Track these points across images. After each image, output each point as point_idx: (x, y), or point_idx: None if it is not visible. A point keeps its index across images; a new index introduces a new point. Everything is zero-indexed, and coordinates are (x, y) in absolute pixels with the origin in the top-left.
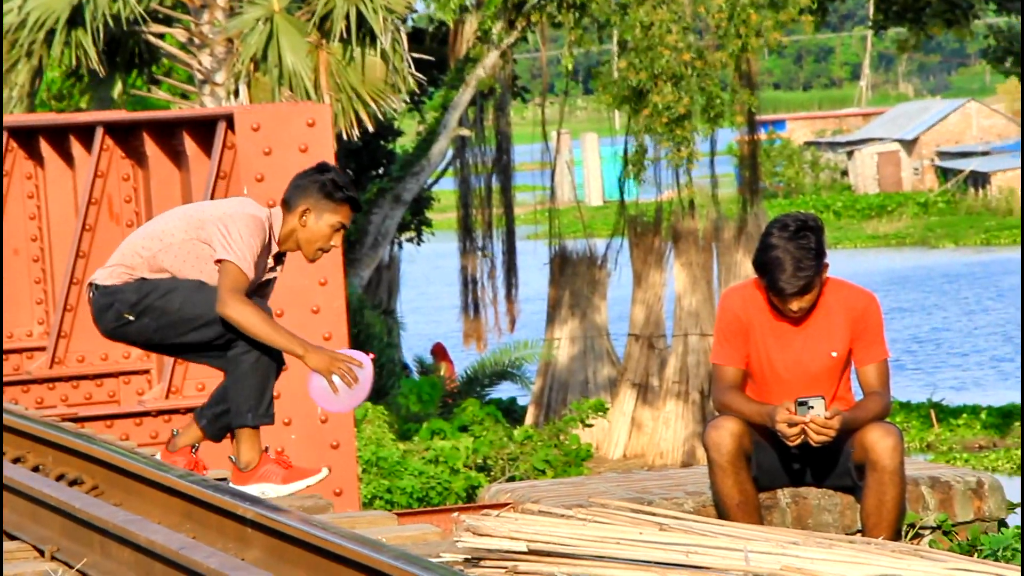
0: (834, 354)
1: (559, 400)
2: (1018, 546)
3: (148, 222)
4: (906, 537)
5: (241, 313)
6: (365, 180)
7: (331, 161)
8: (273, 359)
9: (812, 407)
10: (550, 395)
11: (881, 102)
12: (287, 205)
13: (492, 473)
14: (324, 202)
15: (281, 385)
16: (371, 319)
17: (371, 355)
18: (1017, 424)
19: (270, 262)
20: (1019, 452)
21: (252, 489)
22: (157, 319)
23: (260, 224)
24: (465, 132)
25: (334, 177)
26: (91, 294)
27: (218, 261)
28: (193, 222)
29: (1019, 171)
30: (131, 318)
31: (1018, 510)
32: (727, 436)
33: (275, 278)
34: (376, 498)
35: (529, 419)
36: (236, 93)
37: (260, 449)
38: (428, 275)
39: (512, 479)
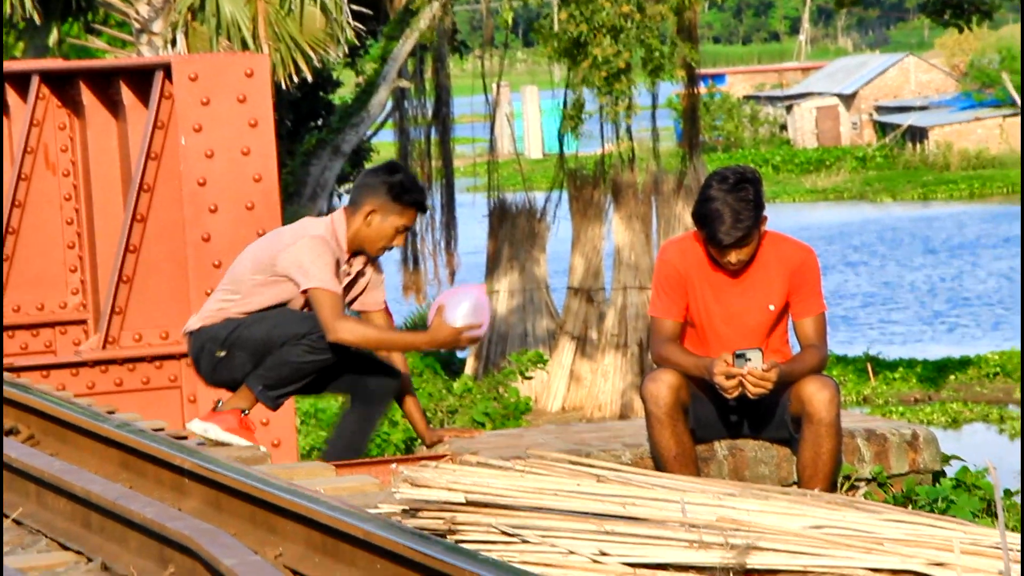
0: (771, 307)
1: (498, 353)
2: (954, 497)
3: (225, 276)
4: (842, 489)
5: (353, 332)
6: (303, 131)
7: (269, 111)
8: (317, 370)
9: (750, 359)
10: (489, 348)
11: (820, 56)
12: (354, 204)
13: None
14: (392, 204)
15: None
16: None
17: (481, 285)
18: (952, 377)
19: (347, 268)
20: (954, 406)
21: (197, 425)
22: (247, 350)
23: (323, 241)
24: (404, 84)
25: (402, 179)
26: (188, 343)
27: (304, 292)
28: (262, 264)
29: (956, 126)
30: (222, 355)
31: (953, 462)
32: (664, 388)
33: (372, 281)
34: (315, 450)
35: (468, 371)
36: (173, 42)
37: (242, 407)
38: None
39: None
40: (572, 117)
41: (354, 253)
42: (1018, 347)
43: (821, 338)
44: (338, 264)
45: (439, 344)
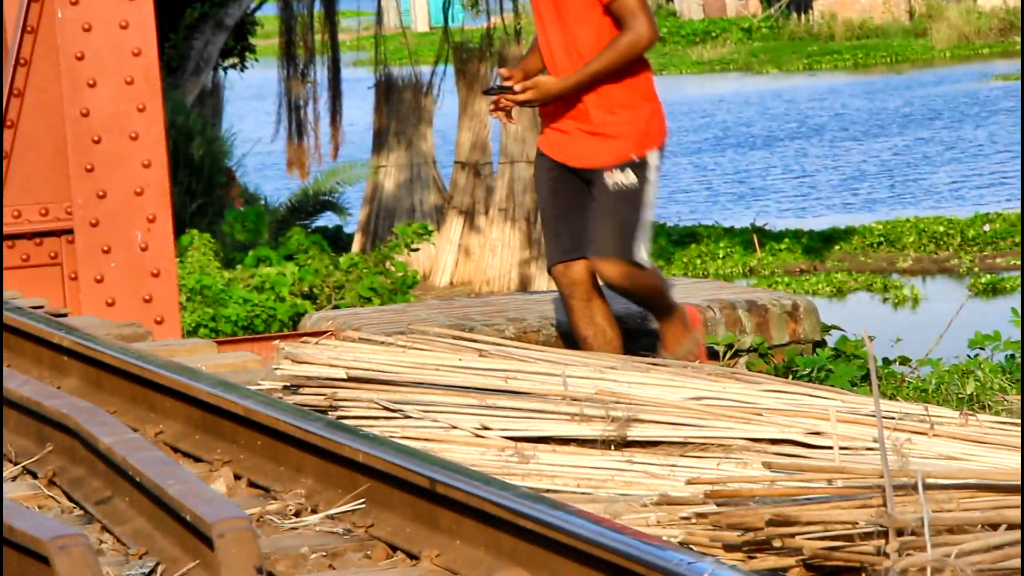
0: None
1: (385, 228)
2: (832, 367)
3: None
4: (724, 359)
5: None
6: (185, 5)
7: None
8: None
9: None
10: (376, 223)
11: None
12: None
13: (319, 301)
14: None
15: (100, 211)
16: (195, 146)
17: None
18: (837, 248)
19: None
20: (838, 275)
21: None
22: None
23: None
24: None
25: None
26: None
27: None
28: None
29: None
30: None
31: (834, 332)
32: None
33: None
34: (200, 326)
35: (356, 247)
36: None
37: None
38: (251, 103)
39: (338, 307)
40: None
41: None
42: (901, 216)
43: (632, 20)
44: None
45: None
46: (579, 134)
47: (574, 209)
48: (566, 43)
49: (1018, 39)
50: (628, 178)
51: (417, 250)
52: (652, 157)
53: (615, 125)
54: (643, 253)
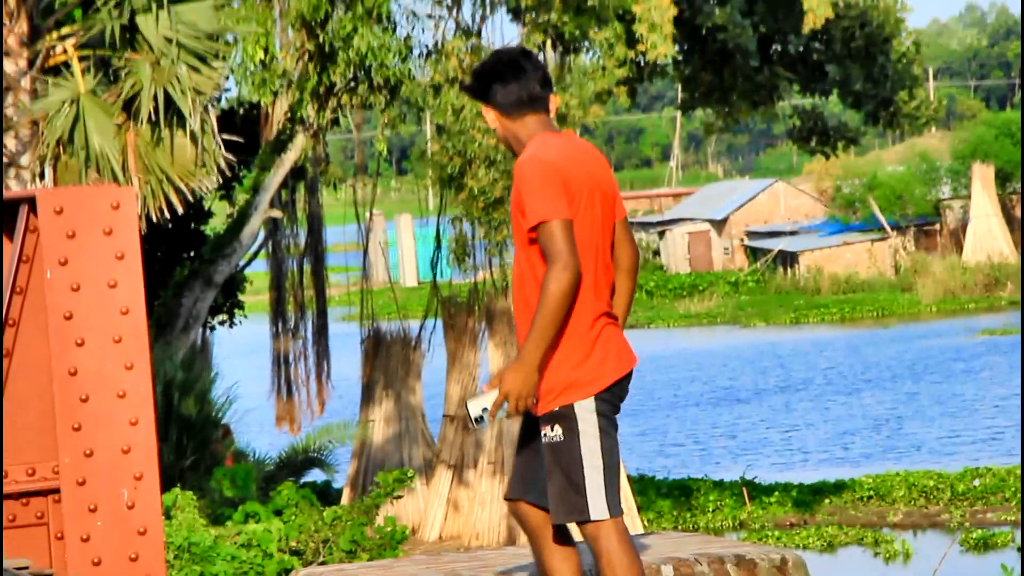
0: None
1: (374, 483)
2: None
3: None
4: None
5: None
6: (175, 263)
7: (136, 243)
8: None
9: (480, 413)
10: (365, 477)
11: (691, 182)
12: None
13: (305, 556)
14: None
15: (87, 469)
16: (185, 403)
17: None
18: (827, 501)
19: None
20: (829, 529)
21: None
22: None
23: None
24: (276, 214)
25: None
26: None
27: None
28: None
29: (826, 251)
30: None
31: None
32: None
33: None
34: None
35: (345, 502)
36: (42, 175)
37: None
38: (241, 358)
39: (325, 563)
40: (458, 251)
41: None
42: (891, 470)
43: (548, 256)
44: None
45: None
46: None
47: (529, 450)
48: (516, 271)
49: (1003, 294)
50: (555, 431)
51: (400, 497)
52: (582, 405)
53: (545, 371)
54: (597, 509)
